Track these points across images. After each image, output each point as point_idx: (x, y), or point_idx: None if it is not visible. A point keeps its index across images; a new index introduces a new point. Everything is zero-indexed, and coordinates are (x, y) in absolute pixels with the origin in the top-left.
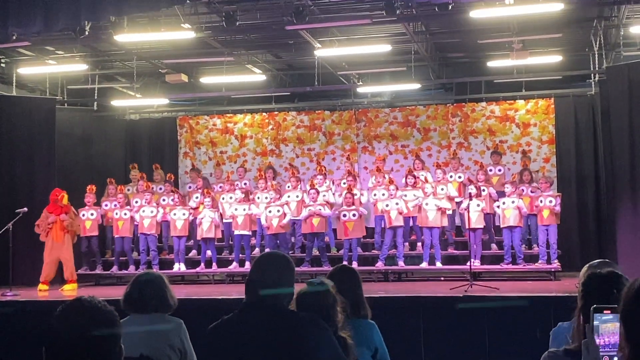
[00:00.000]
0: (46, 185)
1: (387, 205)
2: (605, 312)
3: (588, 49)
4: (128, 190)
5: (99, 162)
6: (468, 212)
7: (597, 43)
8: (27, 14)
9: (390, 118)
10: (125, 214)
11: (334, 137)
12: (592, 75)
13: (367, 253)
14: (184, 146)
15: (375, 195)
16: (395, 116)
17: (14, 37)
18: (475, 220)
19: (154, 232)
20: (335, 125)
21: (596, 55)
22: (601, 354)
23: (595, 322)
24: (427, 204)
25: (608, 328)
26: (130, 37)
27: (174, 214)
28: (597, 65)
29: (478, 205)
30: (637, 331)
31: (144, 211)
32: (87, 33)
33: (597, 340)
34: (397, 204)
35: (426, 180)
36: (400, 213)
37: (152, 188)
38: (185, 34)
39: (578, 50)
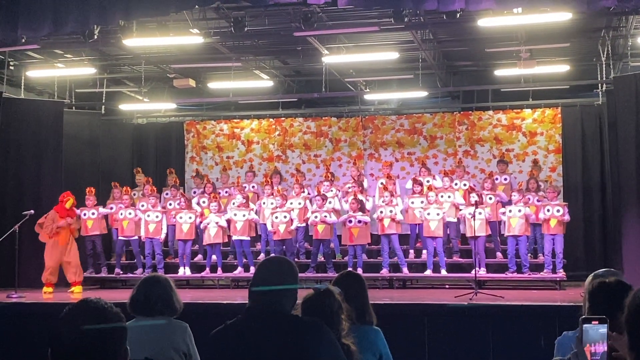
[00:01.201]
0: (53, 187)
1: (381, 212)
2: (593, 322)
3: (595, 58)
4: (134, 194)
5: (106, 166)
6: (473, 219)
7: (605, 53)
8: (36, 17)
9: (397, 125)
10: (130, 213)
11: (340, 144)
12: (600, 85)
13: (372, 260)
14: (190, 151)
15: (383, 201)
16: (402, 123)
17: (23, 40)
18: (478, 228)
19: (159, 236)
20: (342, 132)
21: (603, 65)
22: None
23: (584, 333)
24: (429, 214)
25: (596, 338)
26: (139, 41)
27: (180, 217)
28: (604, 75)
29: (480, 213)
30: None
31: (149, 215)
32: (96, 37)
33: (587, 350)
34: (390, 211)
35: (430, 188)
36: (393, 220)
37: (166, 192)
38: (193, 39)
39: (585, 60)
